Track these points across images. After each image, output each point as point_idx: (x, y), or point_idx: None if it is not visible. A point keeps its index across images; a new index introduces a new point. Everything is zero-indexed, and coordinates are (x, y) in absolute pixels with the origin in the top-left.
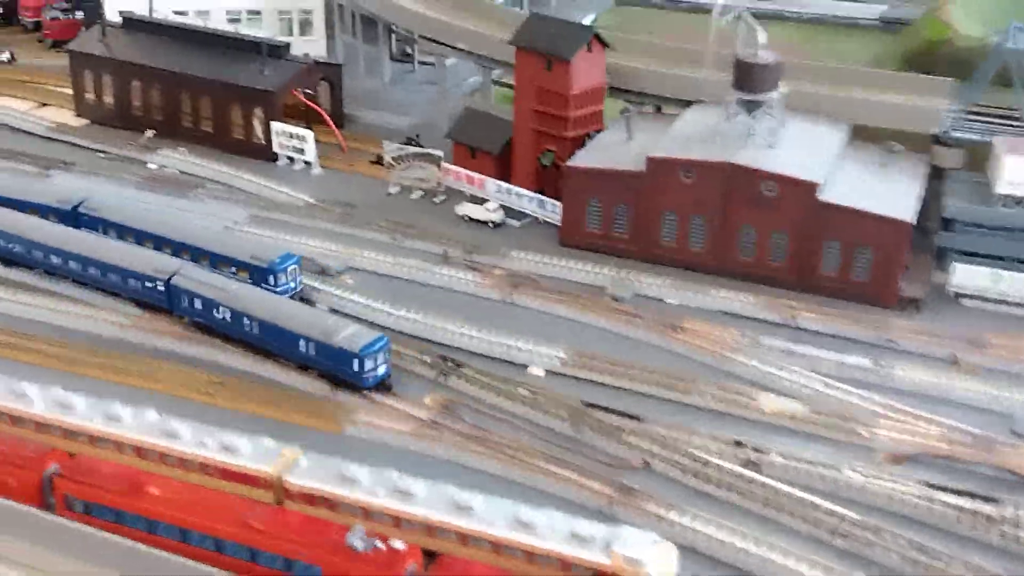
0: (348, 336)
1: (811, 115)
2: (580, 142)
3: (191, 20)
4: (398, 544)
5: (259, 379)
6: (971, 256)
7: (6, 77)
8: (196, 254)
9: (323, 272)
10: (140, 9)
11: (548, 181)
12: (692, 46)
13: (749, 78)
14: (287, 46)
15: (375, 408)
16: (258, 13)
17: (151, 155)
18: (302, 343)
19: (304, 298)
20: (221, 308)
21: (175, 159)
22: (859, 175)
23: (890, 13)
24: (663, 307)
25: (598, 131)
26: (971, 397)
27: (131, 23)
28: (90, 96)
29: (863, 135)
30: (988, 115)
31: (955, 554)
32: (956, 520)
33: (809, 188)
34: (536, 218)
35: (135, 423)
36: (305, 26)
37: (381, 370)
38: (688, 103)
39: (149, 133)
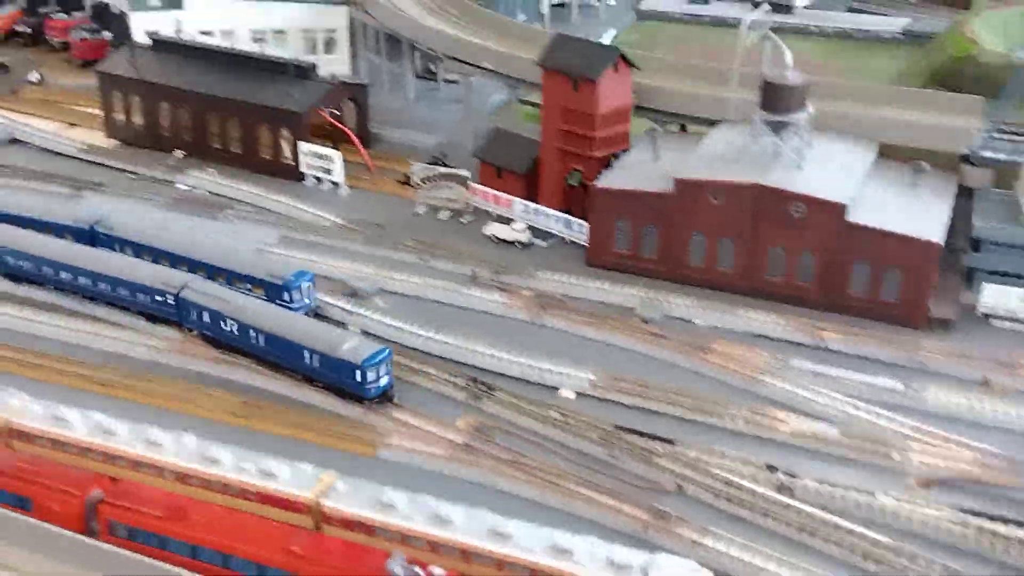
0: (351, 348)
1: (839, 134)
2: (606, 162)
3: (217, 40)
4: (438, 571)
5: (292, 402)
6: (1001, 276)
7: (36, 97)
8: (212, 272)
9: (354, 295)
10: (165, 29)
11: (575, 201)
12: (717, 64)
13: (776, 99)
14: (314, 66)
15: (408, 431)
16: (283, 32)
17: (180, 176)
18: (307, 355)
19: (319, 314)
20: (228, 321)
21: (204, 180)
22: (887, 195)
23: (913, 26)
24: (692, 328)
25: (624, 151)
26: (1003, 419)
27: (159, 44)
28: (119, 117)
29: (890, 154)
30: (1016, 134)
31: None
32: (990, 545)
33: (837, 209)
34: (563, 238)
35: (175, 448)
36: (329, 45)
37: (384, 381)
38: (714, 122)
39: (178, 154)
